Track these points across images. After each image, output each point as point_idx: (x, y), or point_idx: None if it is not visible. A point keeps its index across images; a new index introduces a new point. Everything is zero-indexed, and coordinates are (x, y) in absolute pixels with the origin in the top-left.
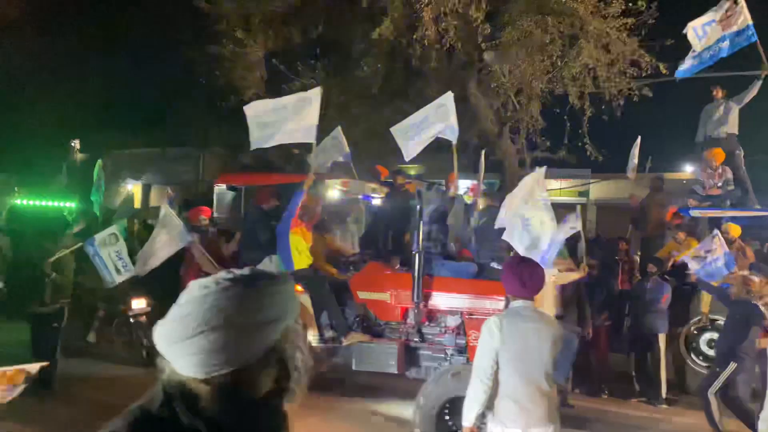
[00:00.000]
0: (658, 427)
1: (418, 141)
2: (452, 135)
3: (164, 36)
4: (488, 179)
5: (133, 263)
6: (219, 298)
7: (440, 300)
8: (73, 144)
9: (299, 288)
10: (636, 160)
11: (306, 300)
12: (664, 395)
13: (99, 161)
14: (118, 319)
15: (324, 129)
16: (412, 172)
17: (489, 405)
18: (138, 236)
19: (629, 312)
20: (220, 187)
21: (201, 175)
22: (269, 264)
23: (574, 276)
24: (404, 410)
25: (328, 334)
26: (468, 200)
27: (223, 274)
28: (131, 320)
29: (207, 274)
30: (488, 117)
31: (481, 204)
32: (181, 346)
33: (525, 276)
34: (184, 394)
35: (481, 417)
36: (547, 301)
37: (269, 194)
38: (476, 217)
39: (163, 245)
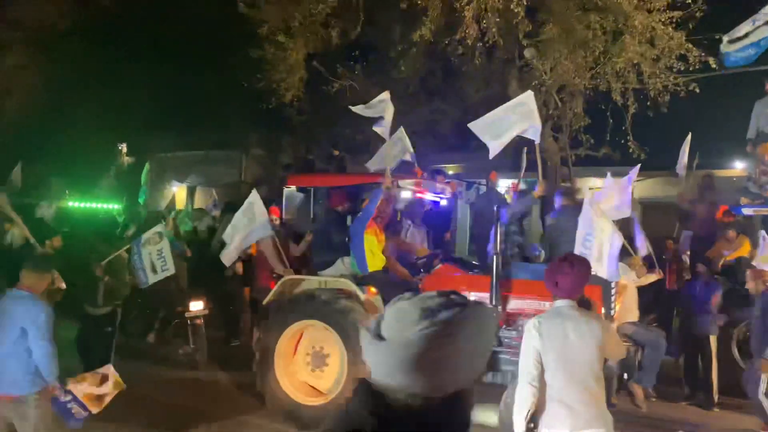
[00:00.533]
0: (709, 431)
1: (501, 141)
2: (535, 134)
3: (207, 41)
4: (529, 177)
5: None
6: (463, 327)
7: (519, 303)
8: (120, 148)
9: (372, 290)
10: (686, 158)
11: (378, 302)
12: (716, 399)
13: (147, 164)
14: (176, 320)
15: (368, 129)
16: (451, 172)
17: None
18: (182, 237)
19: (678, 313)
20: (289, 189)
21: (242, 177)
22: (342, 266)
23: (653, 278)
24: (483, 416)
25: None
26: (509, 199)
27: (440, 300)
28: (188, 322)
29: (279, 276)
30: None
31: (558, 203)
32: (411, 372)
33: (558, 276)
34: (402, 410)
35: (531, 420)
36: (631, 304)
37: (343, 196)
38: (550, 216)
39: (244, 235)
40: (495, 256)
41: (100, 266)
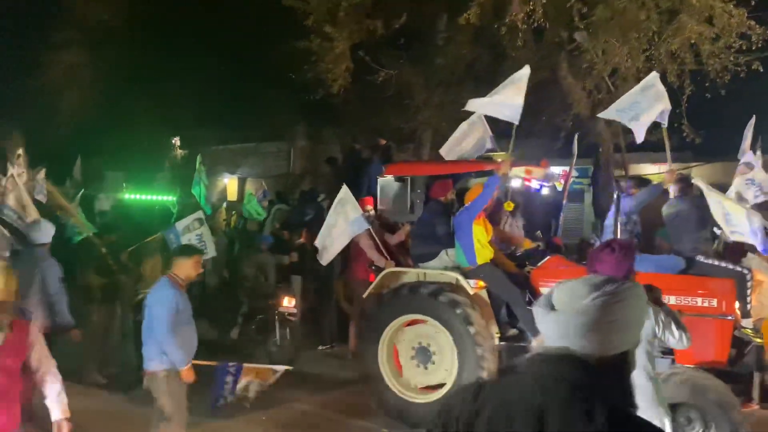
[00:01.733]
0: None
1: (639, 123)
2: (664, 117)
3: (254, 35)
4: (579, 165)
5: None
6: (626, 297)
7: None
8: (173, 141)
9: (480, 283)
10: (749, 141)
11: (485, 295)
12: None
13: (199, 156)
14: (260, 316)
15: (414, 118)
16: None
17: None
18: (233, 227)
19: None
20: (384, 178)
21: (291, 168)
22: (446, 258)
23: None
24: None
25: (510, 332)
26: (559, 187)
27: (603, 278)
28: (277, 318)
29: (379, 269)
30: (581, 100)
31: (674, 191)
32: (587, 335)
33: (596, 263)
34: (580, 368)
35: None
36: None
37: (446, 186)
38: (669, 204)
39: (340, 233)
40: None
41: (125, 254)
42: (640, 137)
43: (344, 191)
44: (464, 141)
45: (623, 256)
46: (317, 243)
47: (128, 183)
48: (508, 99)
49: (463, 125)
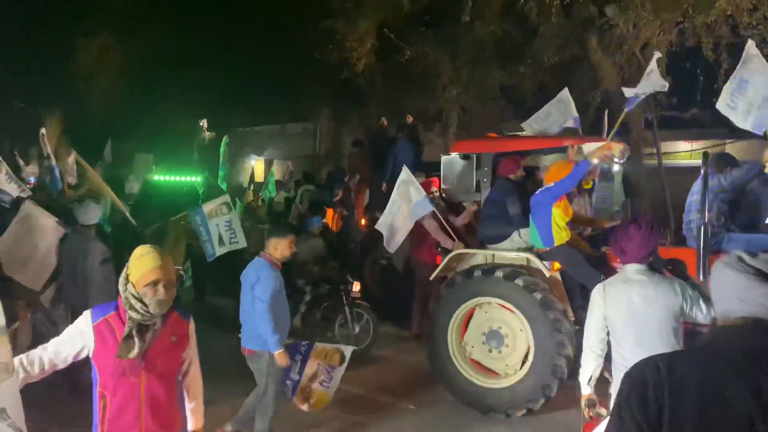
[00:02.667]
0: None
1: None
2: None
3: (279, 16)
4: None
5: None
6: None
7: None
8: (201, 124)
9: (556, 265)
10: None
11: (559, 278)
12: None
13: (225, 138)
14: (327, 303)
15: (441, 97)
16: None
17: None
18: (259, 209)
19: None
20: (448, 156)
21: (317, 150)
22: (518, 239)
23: None
24: None
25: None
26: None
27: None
28: (346, 303)
29: (446, 250)
30: (610, 75)
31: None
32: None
33: (623, 240)
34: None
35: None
36: None
37: (515, 163)
38: (757, 183)
39: (404, 216)
40: (702, 227)
41: (150, 231)
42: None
43: (406, 173)
44: (548, 118)
45: (650, 232)
46: (380, 228)
47: (157, 165)
48: (559, 117)
49: (552, 103)
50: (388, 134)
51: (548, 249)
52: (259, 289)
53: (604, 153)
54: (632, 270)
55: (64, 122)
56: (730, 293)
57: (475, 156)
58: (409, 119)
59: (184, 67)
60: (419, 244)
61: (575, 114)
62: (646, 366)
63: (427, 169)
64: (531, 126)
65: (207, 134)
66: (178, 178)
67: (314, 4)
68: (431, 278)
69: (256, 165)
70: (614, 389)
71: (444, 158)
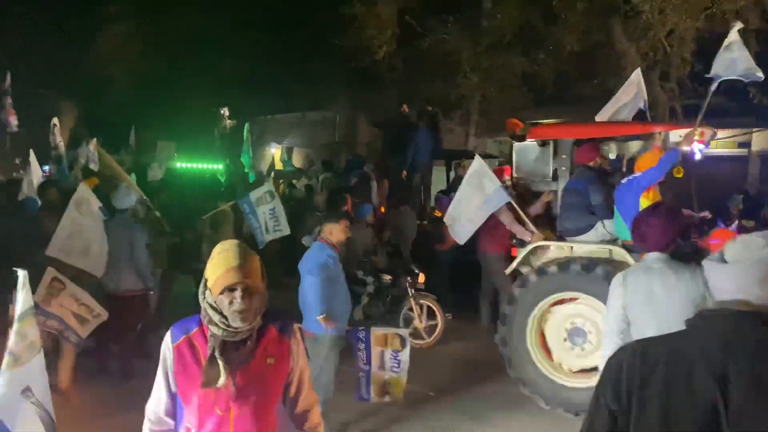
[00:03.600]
0: None
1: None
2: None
3: (299, 3)
4: None
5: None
6: None
7: None
8: (222, 112)
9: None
10: None
11: None
12: None
13: (246, 125)
14: (391, 295)
15: (461, 84)
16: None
17: None
18: (281, 196)
19: None
20: (521, 143)
21: (337, 137)
22: (602, 230)
23: None
24: None
25: None
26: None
27: None
28: (412, 295)
29: (521, 242)
30: (634, 62)
31: None
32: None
33: (644, 227)
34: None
35: None
36: None
37: (594, 150)
38: None
39: (477, 208)
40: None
41: (203, 222)
42: None
43: (479, 162)
44: (619, 104)
45: (671, 219)
46: (447, 220)
47: (179, 152)
48: (629, 99)
49: (624, 87)
50: (408, 121)
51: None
52: (315, 274)
53: (693, 139)
54: (653, 258)
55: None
56: (711, 281)
57: (552, 143)
58: (429, 108)
59: (205, 55)
60: (489, 236)
61: (645, 96)
62: (624, 351)
63: (447, 157)
64: (605, 115)
65: (228, 122)
66: (199, 166)
67: None
68: (507, 272)
69: (276, 153)
70: None
71: (517, 145)
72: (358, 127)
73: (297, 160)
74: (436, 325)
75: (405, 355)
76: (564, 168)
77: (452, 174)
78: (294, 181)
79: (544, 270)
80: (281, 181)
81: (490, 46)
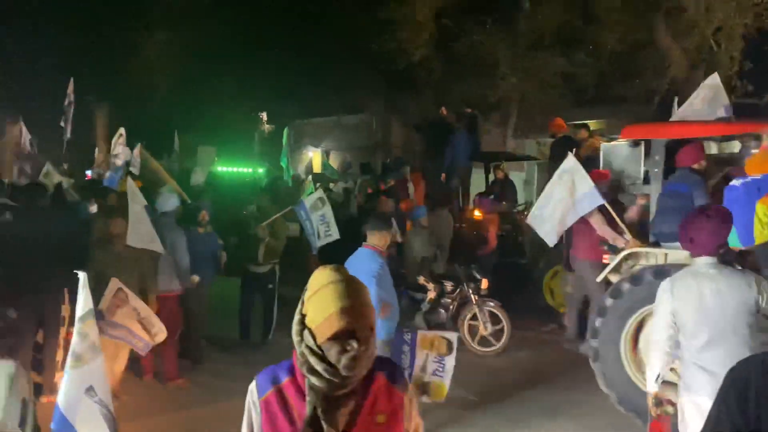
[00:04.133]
0: None
1: None
2: None
3: (336, 7)
4: None
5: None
6: None
7: None
8: (261, 116)
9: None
10: None
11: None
12: None
13: (286, 130)
14: (453, 301)
15: (500, 86)
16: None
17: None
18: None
19: None
20: (610, 144)
21: (373, 140)
22: None
23: None
24: None
25: None
26: None
27: None
28: (476, 303)
29: (613, 248)
30: (679, 61)
31: None
32: None
33: (692, 231)
34: None
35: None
36: None
37: (698, 151)
38: None
39: (567, 209)
40: None
41: (263, 227)
42: None
43: (571, 161)
44: (693, 107)
45: (720, 222)
46: (532, 220)
47: (219, 157)
48: (706, 107)
49: (700, 90)
50: (447, 123)
51: (746, 248)
52: (368, 279)
53: None
54: (702, 263)
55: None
56: None
57: (643, 143)
58: (467, 110)
59: (244, 60)
60: (577, 240)
61: (726, 101)
62: (751, 364)
63: (485, 159)
64: (680, 116)
65: (267, 126)
66: (239, 170)
67: None
68: (598, 280)
69: (313, 156)
70: (684, 386)
71: (605, 146)
72: (394, 129)
73: (333, 164)
74: (501, 331)
75: (450, 362)
76: (656, 170)
77: (491, 176)
78: (331, 185)
79: (639, 278)
80: (318, 184)
81: (529, 47)
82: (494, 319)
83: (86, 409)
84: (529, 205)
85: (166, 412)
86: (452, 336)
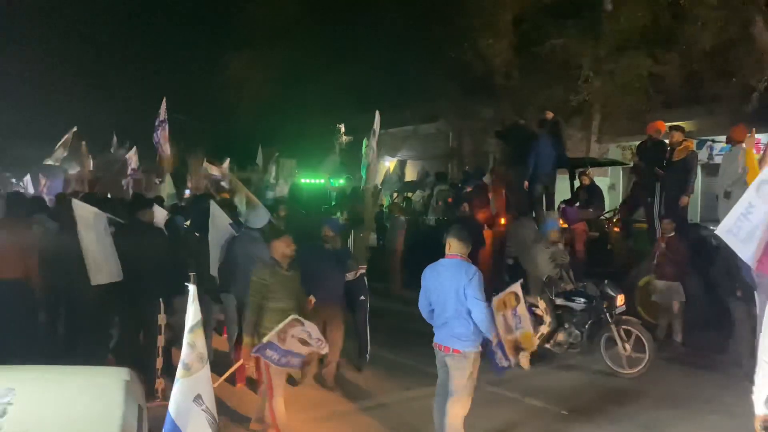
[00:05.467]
0: None
1: None
2: None
3: (412, 17)
4: None
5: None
6: None
7: None
8: (339, 128)
9: None
10: None
11: None
12: None
13: (365, 140)
14: (585, 320)
15: (582, 89)
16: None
17: None
18: (397, 209)
19: None
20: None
21: (450, 148)
22: None
23: None
24: None
25: None
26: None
27: None
28: (612, 322)
29: None
30: None
31: None
32: None
33: None
34: None
35: None
36: None
37: None
38: None
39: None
40: None
41: (368, 232)
42: None
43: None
44: None
45: None
46: (725, 235)
47: (300, 169)
48: None
49: None
50: (528, 130)
51: None
52: (471, 290)
53: None
54: None
55: (217, 132)
56: None
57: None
58: (549, 115)
59: (322, 74)
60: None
61: None
62: None
63: (570, 166)
64: None
65: (344, 138)
66: (319, 181)
67: (448, 3)
68: None
69: (390, 166)
70: None
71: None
72: (471, 137)
73: (411, 173)
74: (642, 349)
75: (523, 310)
76: None
77: (576, 183)
78: (409, 194)
79: None
80: (395, 194)
81: (613, 48)
82: (634, 339)
83: (195, 417)
84: (616, 212)
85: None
86: (515, 287)
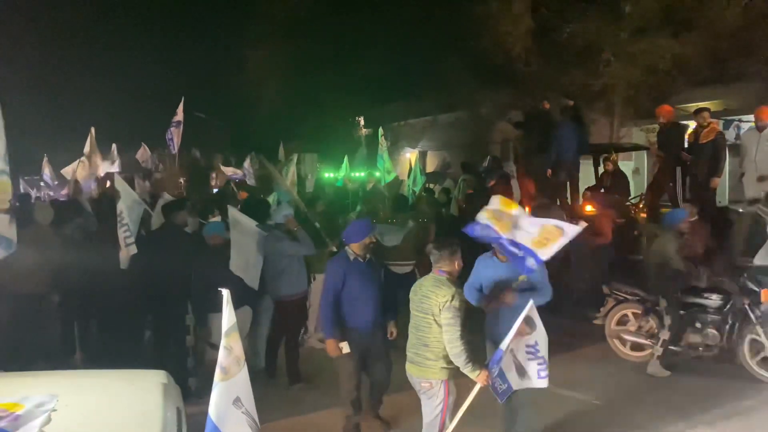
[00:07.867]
0: None
1: None
2: None
3: (430, 6)
4: None
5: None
6: None
7: None
8: (358, 121)
9: None
10: None
11: None
12: None
13: (380, 130)
14: (721, 320)
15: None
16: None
17: None
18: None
19: None
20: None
21: (470, 138)
22: None
23: None
24: None
25: None
26: None
27: None
28: (757, 323)
29: None
30: None
31: None
32: None
33: None
34: None
35: None
36: None
37: None
38: None
39: None
40: None
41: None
42: None
43: None
44: None
45: None
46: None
47: (321, 163)
48: None
49: None
50: (550, 117)
51: None
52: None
53: None
54: None
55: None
56: None
57: None
58: (570, 103)
59: (340, 67)
60: None
61: None
62: None
63: (594, 152)
64: None
65: (363, 131)
66: (341, 175)
67: None
68: None
69: (411, 157)
70: None
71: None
72: (492, 126)
73: (431, 164)
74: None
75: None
76: None
77: (600, 169)
78: (430, 185)
79: None
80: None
81: (635, 30)
82: None
83: (235, 420)
84: (643, 197)
85: (291, 415)
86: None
